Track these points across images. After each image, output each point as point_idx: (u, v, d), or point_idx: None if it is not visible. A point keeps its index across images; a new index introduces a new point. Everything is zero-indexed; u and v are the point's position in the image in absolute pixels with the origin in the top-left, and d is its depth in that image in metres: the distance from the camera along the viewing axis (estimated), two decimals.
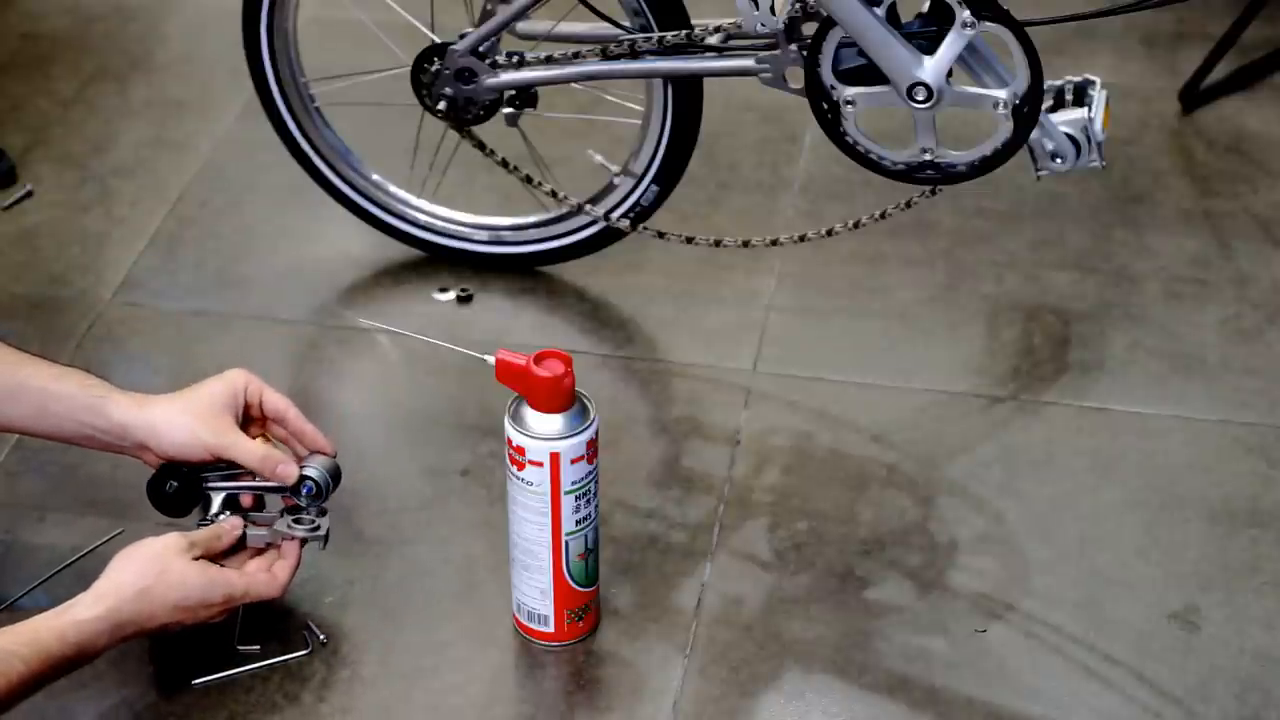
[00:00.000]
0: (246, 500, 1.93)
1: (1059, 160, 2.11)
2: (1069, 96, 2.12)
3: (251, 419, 1.94)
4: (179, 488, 1.89)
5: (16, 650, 1.68)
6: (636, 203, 2.31)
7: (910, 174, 2.11)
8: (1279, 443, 2.17)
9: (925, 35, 2.03)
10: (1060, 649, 1.92)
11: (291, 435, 1.95)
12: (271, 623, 1.92)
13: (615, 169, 2.33)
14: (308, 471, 1.91)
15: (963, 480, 2.13)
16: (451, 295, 2.40)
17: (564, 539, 1.84)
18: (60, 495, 2.07)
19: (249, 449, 1.89)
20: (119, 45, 2.90)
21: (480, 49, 2.23)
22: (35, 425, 1.91)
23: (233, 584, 1.83)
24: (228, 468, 1.90)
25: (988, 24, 1.98)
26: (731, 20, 2.12)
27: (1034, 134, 2.07)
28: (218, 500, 1.90)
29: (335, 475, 1.93)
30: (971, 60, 2.05)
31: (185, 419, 1.88)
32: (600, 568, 1.92)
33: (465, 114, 2.28)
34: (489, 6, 2.23)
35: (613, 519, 2.05)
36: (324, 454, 1.94)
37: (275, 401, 1.94)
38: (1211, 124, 2.73)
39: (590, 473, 1.83)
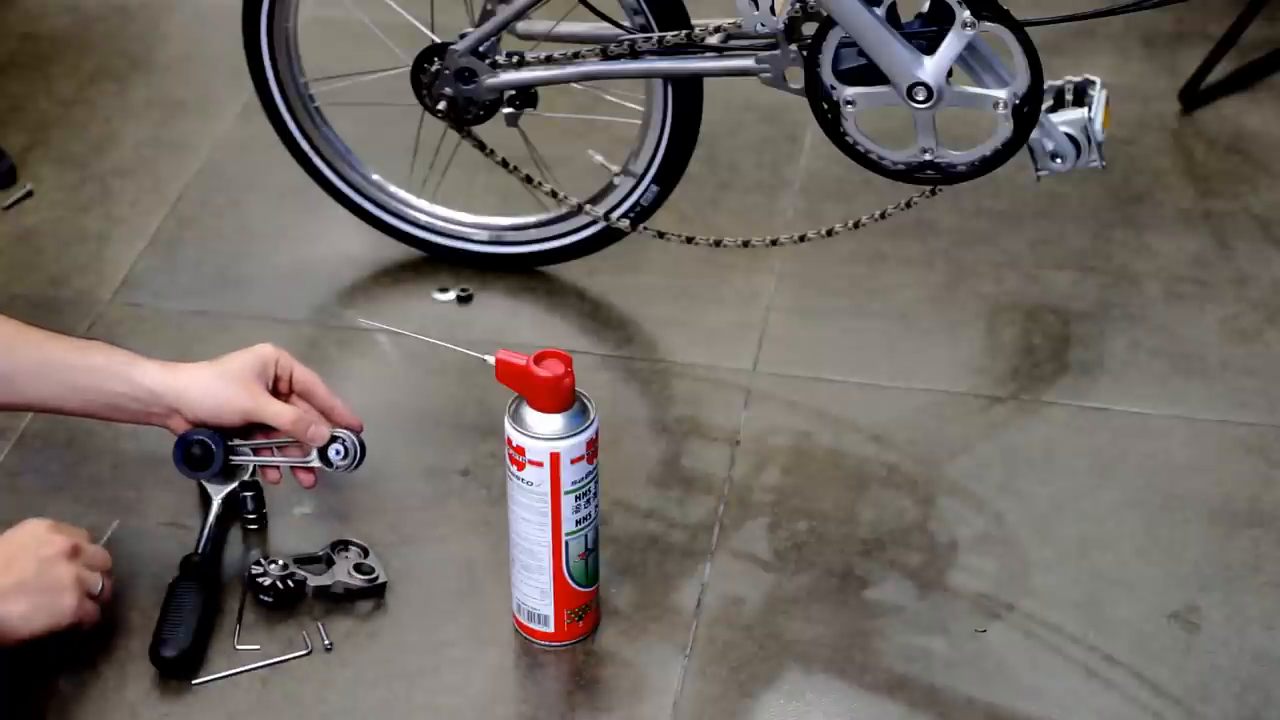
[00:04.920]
0: (273, 476, 1.97)
1: (1059, 160, 2.11)
2: (1069, 96, 2.12)
3: (279, 393, 1.97)
4: (205, 447, 1.92)
5: None
6: (636, 203, 2.31)
7: (910, 174, 2.11)
8: (1279, 443, 2.17)
9: (925, 35, 2.03)
10: (1060, 649, 1.92)
11: (319, 410, 1.98)
12: (271, 623, 1.92)
13: (615, 169, 2.32)
14: (338, 433, 1.95)
15: (963, 480, 2.13)
16: (451, 295, 2.40)
17: (564, 539, 1.84)
18: (60, 495, 2.06)
19: (281, 411, 1.93)
20: (119, 45, 2.90)
21: (480, 49, 2.23)
22: (62, 401, 1.92)
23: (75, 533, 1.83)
24: (253, 437, 1.94)
25: (988, 24, 1.98)
26: (731, 20, 2.12)
27: (1034, 134, 2.07)
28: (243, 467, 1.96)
29: (362, 448, 1.97)
30: (971, 60, 2.05)
31: (218, 383, 1.92)
32: (600, 568, 1.92)
33: (465, 114, 2.28)
34: (489, 6, 2.23)
35: (613, 519, 2.05)
36: (351, 429, 1.98)
37: (305, 375, 1.98)
38: (1211, 124, 2.73)
39: (590, 473, 1.83)
